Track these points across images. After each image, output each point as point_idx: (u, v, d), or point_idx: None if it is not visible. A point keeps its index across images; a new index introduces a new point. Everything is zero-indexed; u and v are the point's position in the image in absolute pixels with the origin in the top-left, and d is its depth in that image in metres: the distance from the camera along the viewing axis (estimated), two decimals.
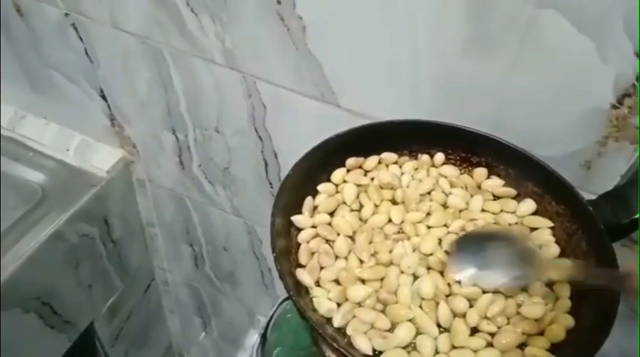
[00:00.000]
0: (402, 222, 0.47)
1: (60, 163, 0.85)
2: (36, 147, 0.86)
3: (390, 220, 0.47)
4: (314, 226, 0.47)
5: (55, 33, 0.71)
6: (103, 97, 0.77)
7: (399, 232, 0.47)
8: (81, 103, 0.80)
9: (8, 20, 0.74)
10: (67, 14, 0.68)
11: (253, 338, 0.81)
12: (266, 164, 0.73)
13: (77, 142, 0.86)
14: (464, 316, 0.41)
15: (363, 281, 0.43)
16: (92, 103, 0.79)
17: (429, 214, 0.47)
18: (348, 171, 0.50)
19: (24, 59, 0.79)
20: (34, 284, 0.78)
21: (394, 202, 0.49)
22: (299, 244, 0.46)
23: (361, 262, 0.44)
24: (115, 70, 0.72)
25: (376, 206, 0.48)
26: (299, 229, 0.47)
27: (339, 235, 0.46)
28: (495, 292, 0.43)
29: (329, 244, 0.46)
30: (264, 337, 0.63)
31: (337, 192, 0.49)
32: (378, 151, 0.51)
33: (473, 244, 0.44)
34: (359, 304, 0.42)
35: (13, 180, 0.83)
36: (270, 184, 0.75)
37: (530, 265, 0.42)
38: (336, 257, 0.45)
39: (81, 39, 0.70)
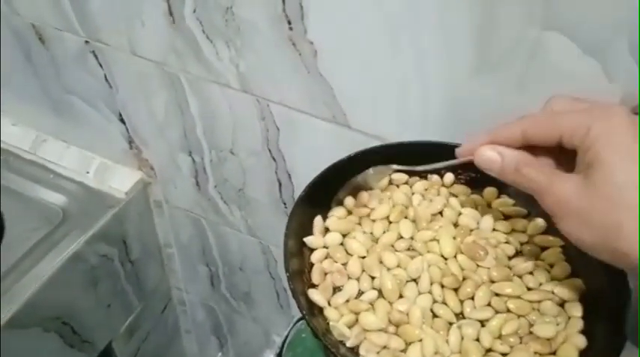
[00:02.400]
0: (413, 239, 0.48)
1: (80, 185, 0.86)
2: (56, 169, 0.88)
3: (400, 237, 0.48)
4: (326, 247, 0.47)
5: (76, 60, 0.74)
6: (122, 121, 0.79)
7: (408, 249, 0.47)
8: (100, 127, 0.82)
9: (30, 47, 0.77)
10: (87, 42, 0.71)
11: None
12: (280, 184, 0.74)
13: (97, 165, 0.88)
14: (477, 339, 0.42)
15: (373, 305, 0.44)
16: (111, 127, 0.81)
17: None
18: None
19: (45, 84, 0.82)
20: (55, 304, 0.80)
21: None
22: (312, 264, 0.47)
23: (373, 278, 0.45)
24: (134, 94, 0.74)
25: (389, 223, 0.49)
26: (312, 249, 0.48)
27: (351, 255, 0.47)
28: (507, 311, 0.43)
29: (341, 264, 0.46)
30: (279, 356, 0.63)
31: (349, 213, 0.50)
32: None
33: None
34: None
35: (34, 202, 0.85)
36: (285, 204, 0.76)
37: None
38: (349, 277, 0.46)
39: (100, 65, 0.73)
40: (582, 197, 0.34)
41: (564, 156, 0.38)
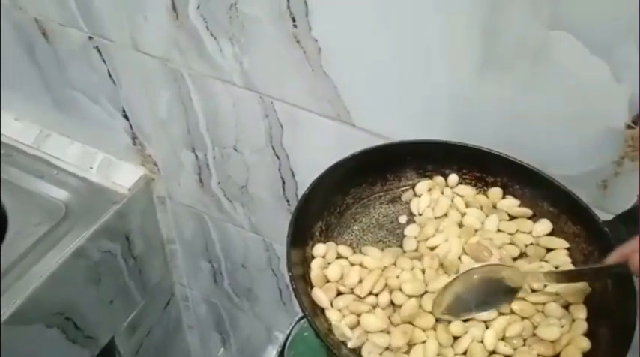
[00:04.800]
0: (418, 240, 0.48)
1: (83, 181, 0.86)
2: (60, 165, 0.88)
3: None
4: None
5: (79, 55, 0.74)
6: (125, 117, 0.79)
7: (415, 250, 0.47)
8: (104, 123, 0.82)
9: (34, 43, 0.77)
10: (90, 38, 0.70)
11: (271, 355, 0.82)
12: (283, 182, 0.74)
13: (100, 161, 0.88)
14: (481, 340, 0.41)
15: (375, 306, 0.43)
16: (115, 123, 0.81)
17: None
18: None
19: (49, 80, 0.82)
20: (58, 300, 0.80)
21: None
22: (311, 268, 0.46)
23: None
24: (137, 90, 0.74)
25: None
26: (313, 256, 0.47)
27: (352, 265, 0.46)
28: (512, 313, 0.43)
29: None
30: (281, 354, 0.63)
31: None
32: (391, 171, 0.51)
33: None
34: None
35: (37, 197, 0.85)
36: (288, 201, 0.76)
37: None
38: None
39: (104, 61, 0.72)
40: None
41: None
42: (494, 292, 0.42)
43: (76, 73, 0.77)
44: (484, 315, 0.42)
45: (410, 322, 0.42)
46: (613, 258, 0.38)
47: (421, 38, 0.50)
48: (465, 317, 0.42)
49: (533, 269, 0.44)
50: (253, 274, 0.95)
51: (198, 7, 0.58)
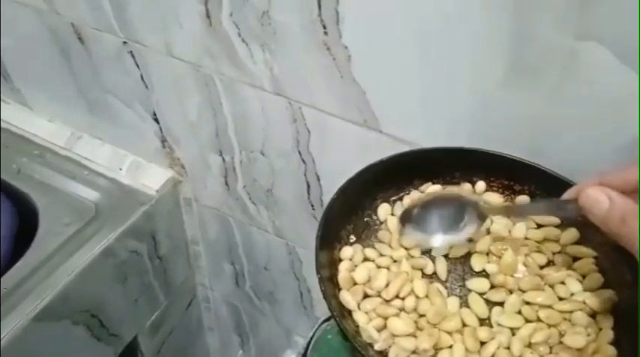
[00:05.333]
0: None
1: (113, 182, 0.88)
2: (91, 166, 0.90)
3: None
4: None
5: (114, 59, 0.76)
6: (156, 120, 0.81)
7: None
8: (134, 126, 0.84)
9: (69, 46, 0.79)
10: (125, 42, 0.72)
11: None
12: (308, 186, 0.75)
13: (129, 162, 0.90)
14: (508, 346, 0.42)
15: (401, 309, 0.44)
16: (145, 126, 0.83)
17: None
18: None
19: (82, 83, 0.84)
20: (85, 297, 0.82)
21: None
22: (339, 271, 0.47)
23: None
24: (168, 95, 0.76)
25: None
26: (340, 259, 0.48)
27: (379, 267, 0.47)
28: (538, 320, 0.43)
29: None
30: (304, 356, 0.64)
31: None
32: (419, 177, 0.52)
33: (419, 214, 0.44)
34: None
35: (68, 197, 0.87)
36: (312, 206, 0.77)
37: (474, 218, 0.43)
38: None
39: (137, 65, 0.74)
40: None
41: None
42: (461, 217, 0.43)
43: (109, 77, 0.80)
44: (454, 238, 0.43)
45: (436, 326, 0.43)
46: (567, 194, 0.38)
47: (448, 46, 0.51)
48: (432, 242, 0.43)
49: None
50: (275, 277, 0.96)
51: (231, 14, 0.60)
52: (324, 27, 0.55)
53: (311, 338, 0.65)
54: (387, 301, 0.45)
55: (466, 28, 0.48)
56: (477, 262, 0.47)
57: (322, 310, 0.43)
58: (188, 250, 1.02)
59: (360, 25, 0.54)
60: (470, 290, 0.46)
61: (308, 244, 0.81)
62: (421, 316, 0.44)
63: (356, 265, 0.47)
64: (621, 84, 0.45)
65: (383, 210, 0.51)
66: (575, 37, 0.44)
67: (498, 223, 0.48)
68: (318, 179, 0.73)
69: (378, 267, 0.47)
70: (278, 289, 0.98)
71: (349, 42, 0.55)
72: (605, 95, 0.46)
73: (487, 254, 0.47)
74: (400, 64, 0.54)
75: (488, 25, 0.47)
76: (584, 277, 0.45)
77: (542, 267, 0.46)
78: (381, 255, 0.48)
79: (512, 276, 0.45)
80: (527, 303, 0.44)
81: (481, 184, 0.51)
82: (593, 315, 0.43)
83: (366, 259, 0.48)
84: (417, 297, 0.45)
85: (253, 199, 0.84)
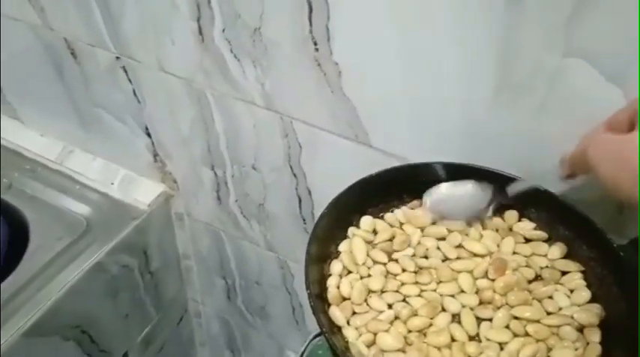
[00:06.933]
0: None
1: (104, 196, 0.88)
2: (82, 180, 0.90)
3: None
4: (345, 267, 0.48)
5: (106, 74, 0.76)
6: (148, 135, 0.81)
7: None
8: (126, 140, 0.84)
9: (62, 61, 0.79)
10: (117, 58, 0.73)
11: None
12: (300, 200, 0.75)
13: (121, 177, 0.90)
14: None
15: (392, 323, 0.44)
16: (137, 140, 0.83)
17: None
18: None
19: (75, 98, 0.84)
20: (75, 313, 0.81)
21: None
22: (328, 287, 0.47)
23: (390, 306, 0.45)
24: (161, 109, 0.76)
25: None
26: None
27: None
28: (526, 335, 0.43)
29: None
30: None
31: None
32: (408, 191, 0.52)
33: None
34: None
35: (60, 212, 0.87)
36: (304, 220, 0.77)
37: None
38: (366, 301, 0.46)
39: (130, 81, 0.75)
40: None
41: None
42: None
43: (102, 92, 0.80)
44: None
45: (425, 341, 0.43)
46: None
47: (437, 63, 0.51)
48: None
49: None
50: (267, 291, 0.96)
51: (224, 30, 0.61)
52: (315, 44, 0.56)
53: (302, 353, 0.65)
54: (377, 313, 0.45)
55: (455, 44, 0.49)
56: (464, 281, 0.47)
57: (314, 324, 0.43)
58: (180, 265, 1.02)
59: (350, 41, 0.55)
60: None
61: (300, 258, 0.81)
62: (410, 331, 0.44)
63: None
64: (606, 100, 0.45)
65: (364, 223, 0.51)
66: (561, 54, 0.45)
67: (487, 238, 0.49)
68: (310, 193, 0.73)
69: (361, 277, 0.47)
70: (270, 303, 0.98)
71: (340, 58, 0.56)
72: (590, 112, 0.47)
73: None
74: (390, 80, 0.55)
75: (477, 41, 0.48)
76: (572, 291, 0.45)
77: (530, 281, 0.46)
78: (369, 267, 0.48)
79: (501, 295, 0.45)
80: (516, 318, 0.44)
81: None
82: (580, 329, 0.43)
83: (349, 272, 0.48)
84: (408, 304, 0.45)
85: (245, 214, 0.84)
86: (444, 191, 0.50)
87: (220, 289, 1.03)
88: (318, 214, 0.67)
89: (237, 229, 0.87)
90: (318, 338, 0.65)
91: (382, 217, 0.52)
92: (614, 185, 0.35)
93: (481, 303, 0.45)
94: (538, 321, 0.44)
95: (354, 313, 0.45)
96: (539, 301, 0.45)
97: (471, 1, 0.46)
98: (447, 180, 0.52)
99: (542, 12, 0.44)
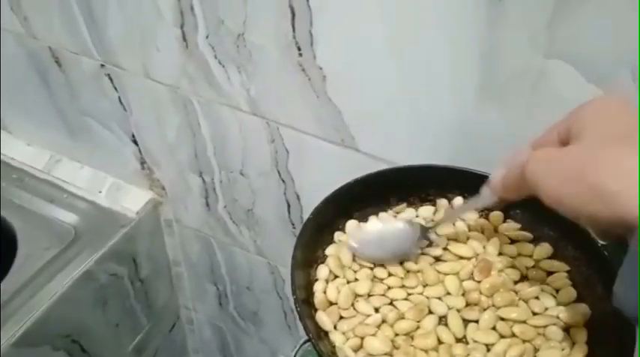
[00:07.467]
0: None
1: (92, 205, 0.88)
2: (70, 189, 0.90)
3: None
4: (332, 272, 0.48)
5: (91, 82, 0.76)
6: (135, 142, 0.81)
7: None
8: (113, 148, 0.84)
9: (47, 70, 0.79)
10: (102, 65, 0.73)
11: None
12: (288, 205, 0.75)
13: (109, 185, 0.89)
14: None
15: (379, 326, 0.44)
16: (124, 148, 0.83)
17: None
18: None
19: (61, 106, 0.84)
20: (65, 322, 0.81)
21: None
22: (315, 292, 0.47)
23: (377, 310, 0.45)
24: (147, 116, 0.76)
25: None
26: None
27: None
28: (513, 336, 0.43)
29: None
30: None
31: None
32: (395, 195, 0.52)
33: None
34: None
35: (47, 221, 0.86)
36: (293, 224, 0.77)
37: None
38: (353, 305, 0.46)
39: (115, 88, 0.75)
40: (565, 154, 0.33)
41: None
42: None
43: (87, 100, 0.80)
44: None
45: (412, 344, 0.43)
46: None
47: (423, 65, 0.52)
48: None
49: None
50: (258, 296, 0.96)
51: (207, 36, 0.61)
52: (299, 49, 0.56)
53: None
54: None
55: (441, 47, 0.49)
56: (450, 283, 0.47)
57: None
58: (170, 272, 1.02)
59: (333, 46, 0.55)
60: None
61: (290, 263, 0.81)
62: (397, 335, 0.44)
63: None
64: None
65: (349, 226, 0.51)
66: (544, 55, 0.46)
67: (473, 239, 0.49)
68: (298, 198, 0.73)
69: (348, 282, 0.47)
70: (262, 308, 0.98)
71: (324, 63, 0.56)
72: None
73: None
74: (375, 83, 0.55)
75: (463, 43, 0.48)
76: (557, 291, 0.45)
77: (516, 282, 0.46)
78: (355, 271, 0.48)
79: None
80: (502, 319, 0.44)
81: (458, 200, 0.52)
82: (567, 329, 0.43)
83: (336, 277, 0.48)
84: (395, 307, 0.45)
85: (234, 219, 0.84)
86: (371, 230, 0.49)
87: (212, 295, 1.03)
88: None
89: (227, 234, 0.87)
90: (308, 343, 0.65)
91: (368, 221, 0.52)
92: (558, 200, 0.32)
93: (467, 305, 0.45)
94: (524, 321, 0.43)
95: (341, 317, 0.45)
96: (526, 301, 0.45)
97: (454, 1, 0.46)
98: (433, 183, 0.52)
99: (524, 13, 0.44)
